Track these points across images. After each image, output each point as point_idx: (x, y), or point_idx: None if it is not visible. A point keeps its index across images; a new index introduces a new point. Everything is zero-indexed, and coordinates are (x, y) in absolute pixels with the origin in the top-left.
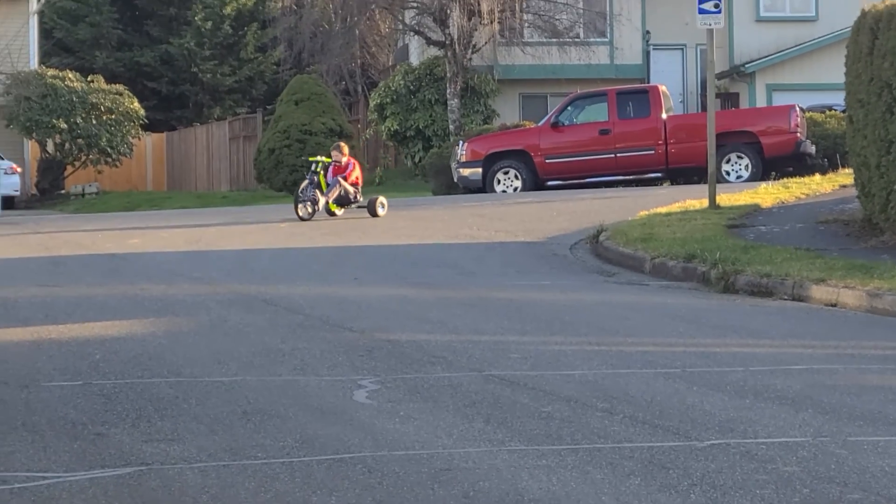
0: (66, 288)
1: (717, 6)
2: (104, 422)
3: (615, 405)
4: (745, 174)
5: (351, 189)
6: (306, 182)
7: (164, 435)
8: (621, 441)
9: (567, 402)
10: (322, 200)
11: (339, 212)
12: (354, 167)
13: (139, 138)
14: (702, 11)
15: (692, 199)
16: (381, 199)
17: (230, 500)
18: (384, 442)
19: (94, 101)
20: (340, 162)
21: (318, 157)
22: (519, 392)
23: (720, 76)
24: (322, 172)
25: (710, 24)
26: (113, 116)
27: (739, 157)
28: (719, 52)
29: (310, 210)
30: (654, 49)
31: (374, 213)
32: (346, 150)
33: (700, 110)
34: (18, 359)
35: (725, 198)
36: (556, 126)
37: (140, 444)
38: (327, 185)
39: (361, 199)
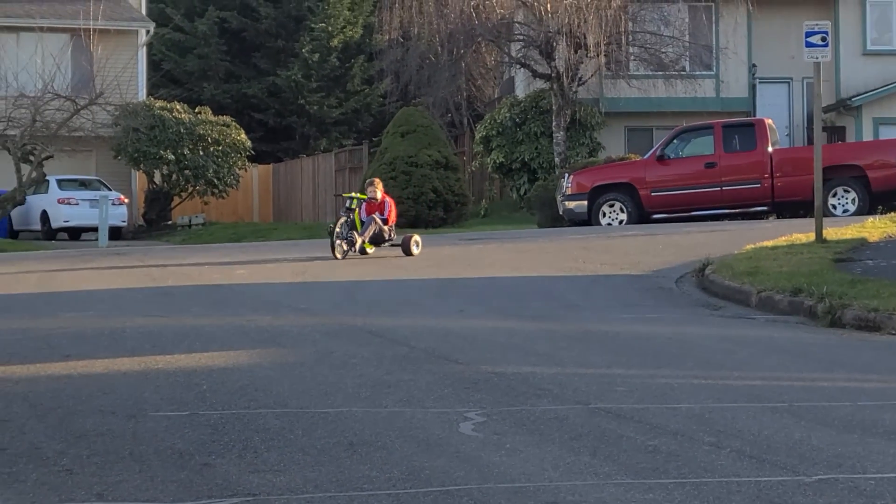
0: (172, 318)
1: (824, 40)
2: (211, 452)
3: (722, 439)
4: (852, 208)
5: (385, 227)
6: (343, 220)
7: (270, 466)
8: (728, 475)
9: (673, 435)
10: (359, 241)
11: (370, 250)
12: (391, 206)
13: (246, 169)
14: (809, 45)
15: (798, 232)
16: (416, 237)
17: None
18: (490, 474)
19: (201, 132)
20: (376, 198)
21: (353, 194)
22: (625, 425)
23: (826, 109)
24: (356, 210)
25: (816, 58)
26: (220, 148)
27: (846, 191)
28: (826, 86)
29: (345, 249)
30: (760, 82)
31: (407, 252)
32: (380, 186)
33: (806, 144)
34: (126, 388)
35: (832, 231)
36: (661, 159)
37: (247, 475)
38: (361, 222)
39: (395, 237)
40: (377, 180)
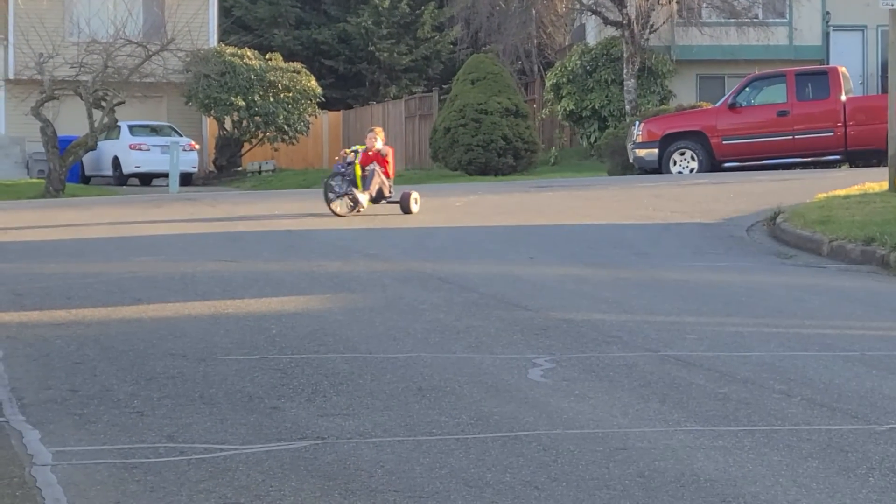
0: (243, 263)
1: None
2: (280, 396)
3: (792, 387)
4: None
5: (387, 181)
6: (339, 175)
7: (339, 410)
8: (799, 423)
9: (744, 383)
10: (365, 197)
11: (366, 206)
12: (390, 157)
13: (316, 116)
14: None
15: (871, 181)
16: (415, 194)
17: (405, 475)
18: (559, 420)
19: (271, 78)
20: (374, 148)
21: (355, 147)
22: (695, 373)
23: None
24: (356, 162)
25: (892, 5)
26: (290, 94)
27: None
28: None
29: (350, 206)
30: (833, 30)
31: (406, 210)
32: (381, 134)
33: (880, 92)
34: (196, 332)
35: None
36: (733, 107)
37: (315, 419)
38: (363, 176)
39: (393, 193)
40: (378, 129)
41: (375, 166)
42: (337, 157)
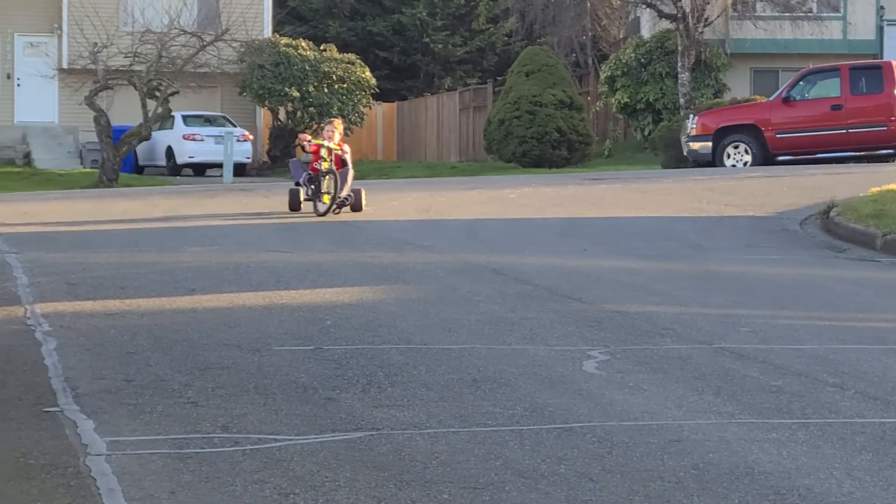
0: (297, 254)
1: None
2: (334, 387)
3: (846, 381)
4: None
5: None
6: (321, 172)
7: (393, 401)
8: (852, 416)
9: (797, 376)
10: (345, 192)
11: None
12: (348, 154)
13: (370, 107)
14: None
15: None
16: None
17: (459, 466)
18: (613, 412)
19: (326, 69)
20: (332, 144)
21: (322, 142)
22: (748, 365)
23: None
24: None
25: None
26: (344, 85)
27: None
28: None
29: (328, 206)
30: (887, 24)
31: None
32: (340, 127)
33: None
34: (251, 323)
35: None
36: (787, 101)
37: (370, 410)
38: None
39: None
40: (336, 121)
41: (347, 166)
42: (305, 149)
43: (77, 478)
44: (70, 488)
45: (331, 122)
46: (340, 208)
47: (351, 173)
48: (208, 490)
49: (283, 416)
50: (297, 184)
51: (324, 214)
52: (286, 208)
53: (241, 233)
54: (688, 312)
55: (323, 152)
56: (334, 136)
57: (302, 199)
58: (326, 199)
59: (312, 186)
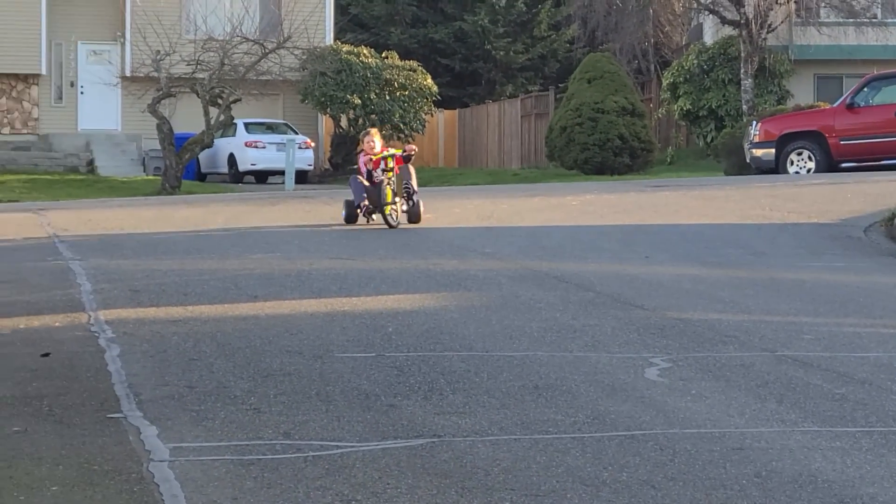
0: (358, 261)
1: None
2: (396, 393)
3: None
4: None
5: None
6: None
7: (455, 408)
8: None
9: (861, 384)
10: (414, 198)
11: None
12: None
13: (432, 115)
14: None
15: None
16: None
17: (521, 473)
18: (676, 420)
19: (387, 77)
20: (376, 150)
21: (387, 151)
22: (812, 373)
23: None
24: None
25: None
26: (406, 93)
27: None
28: None
29: (402, 211)
30: None
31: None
32: (377, 135)
33: None
34: (312, 330)
35: None
36: (851, 107)
37: (432, 417)
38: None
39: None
40: (373, 130)
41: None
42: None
43: (140, 483)
44: (133, 494)
45: (368, 133)
46: (410, 199)
47: (412, 168)
48: (270, 497)
49: (345, 422)
50: (357, 206)
51: (396, 225)
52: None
53: (303, 239)
54: (751, 320)
55: (386, 164)
56: (376, 145)
57: (359, 213)
58: (389, 210)
59: (370, 206)
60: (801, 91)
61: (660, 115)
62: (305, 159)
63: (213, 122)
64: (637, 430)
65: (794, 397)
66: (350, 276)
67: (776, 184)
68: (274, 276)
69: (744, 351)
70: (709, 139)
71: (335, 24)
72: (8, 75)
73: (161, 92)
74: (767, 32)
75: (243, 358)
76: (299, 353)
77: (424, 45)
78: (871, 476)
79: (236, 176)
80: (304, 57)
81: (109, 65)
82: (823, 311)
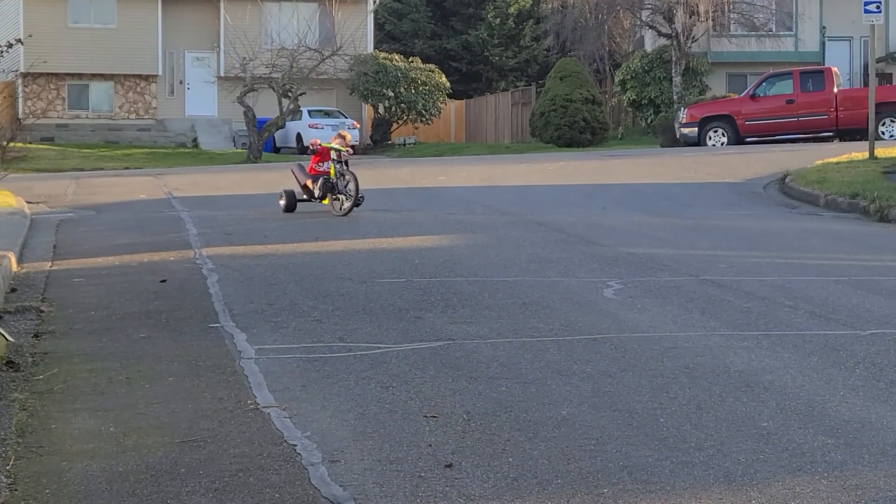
0: (393, 212)
1: (878, 7)
2: (421, 308)
3: (798, 303)
4: None
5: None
6: (338, 173)
7: (464, 319)
8: (803, 329)
9: (762, 300)
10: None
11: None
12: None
13: (445, 104)
14: (867, 11)
15: (856, 152)
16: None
17: (513, 366)
18: (626, 327)
19: (413, 76)
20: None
21: (331, 144)
22: (726, 292)
23: (878, 60)
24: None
25: (872, 21)
26: (426, 87)
27: (892, 121)
28: (878, 42)
29: (347, 206)
30: (828, 40)
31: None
32: (349, 137)
33: (862, 86)
34: (359, 262)
35: (882, 151)
36: (753, 97)
37: (447, 325)
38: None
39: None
40: (345, 132)
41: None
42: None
43: (234, 375)
44: (229, 383)
45: (342, 136)
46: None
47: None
48: (329, 384)
49: (384, 329)
50: (304, 186)
51: (346, 214)
52: (384, 177)
53: None
54: (681, 253)
55: (333, 154)
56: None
57: (297, 200)
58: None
59: (321, 190)
60: (717, 85)
61: (613, 104)
62: (353, 137)
63: (284, 109)
64: (598, 334)
65: (713, 310)
66: (387, 222)
67: (698, 153)
68: (330, 223)
69: (676, 276)
70: (649, 121)
71: (374, 37)
72: (134, 76)
73: (246, 87)
74: (692, 42)
75: (308, 282)
76: (350, 279)
77: (440, 52)
78: (769, 367)
79: (302, 149)
80: (352, 61)
81: (208, 68)
82: (734, 247)
